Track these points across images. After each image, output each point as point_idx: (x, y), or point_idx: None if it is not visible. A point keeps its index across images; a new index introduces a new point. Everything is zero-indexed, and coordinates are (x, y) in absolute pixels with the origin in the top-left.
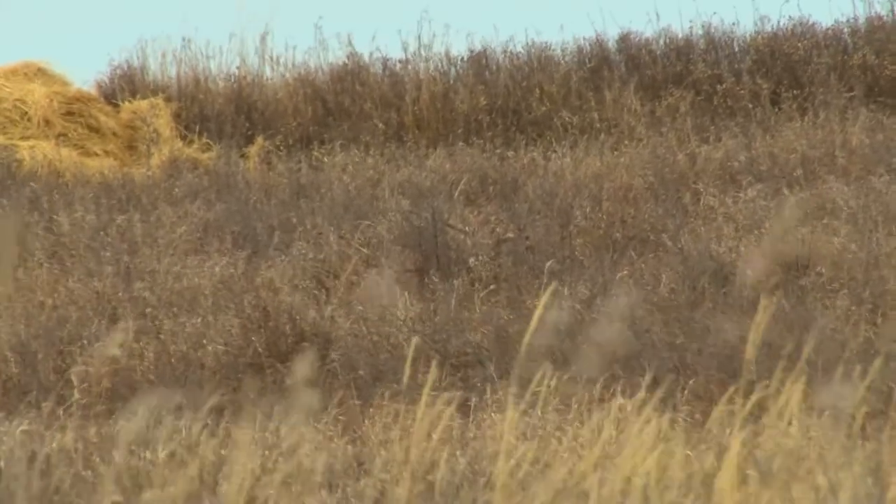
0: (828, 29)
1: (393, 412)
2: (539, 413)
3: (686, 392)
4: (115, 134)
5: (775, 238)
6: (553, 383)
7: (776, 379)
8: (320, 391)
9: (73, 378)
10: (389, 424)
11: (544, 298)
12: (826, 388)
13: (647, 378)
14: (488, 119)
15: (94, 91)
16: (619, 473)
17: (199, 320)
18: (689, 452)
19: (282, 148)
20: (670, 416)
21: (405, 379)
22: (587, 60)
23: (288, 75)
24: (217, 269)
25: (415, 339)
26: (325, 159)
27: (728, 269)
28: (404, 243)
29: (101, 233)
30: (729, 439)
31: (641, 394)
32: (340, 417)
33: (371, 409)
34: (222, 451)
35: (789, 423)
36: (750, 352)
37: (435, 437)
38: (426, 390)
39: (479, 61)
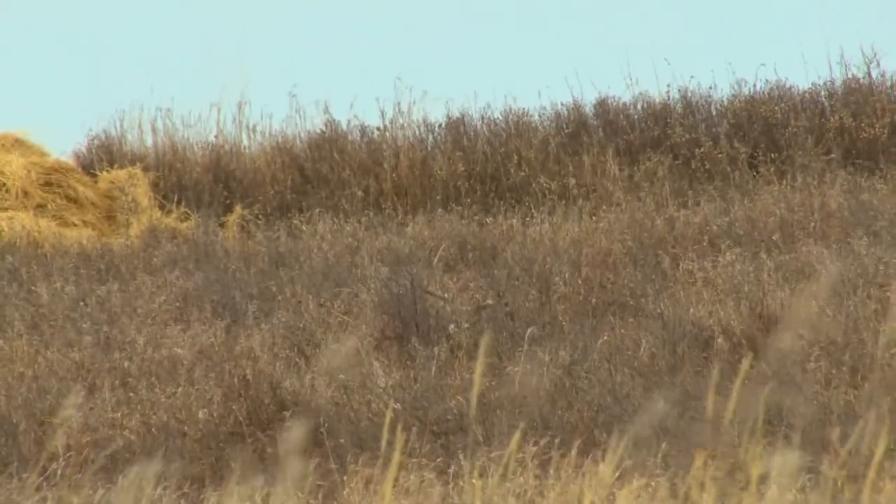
0: (805, 92)
1: (373, 479)
2: (520, 479)
3: (666, 457)
4: (93, 204)
5: (754, 302)
6: (534, 449)
7: (757, 443)
8: (301, 459)
9: (59, 447)
10: (370, 491)
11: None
12: (806, 451)
13: (628, 443)
14: (467, 185)
15: (71, 161)
16: None
17: (179, 389)
18: None
19: (260, 216)
20: (650, 481)
21: (383, 446)
22: (565, 126)
23: (265, 144)
24: (197, 338)
25: (394, 407)
26: (304, 227)
27: (707, 334)
28: (384, 310)
29: (81, 303)
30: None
31: (622, 459)
32: (320, 484)
33: (352, 477)
34: None
35: (768, 488)
36: (729, 415)
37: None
38: (395, 458)
39: (457, 128)
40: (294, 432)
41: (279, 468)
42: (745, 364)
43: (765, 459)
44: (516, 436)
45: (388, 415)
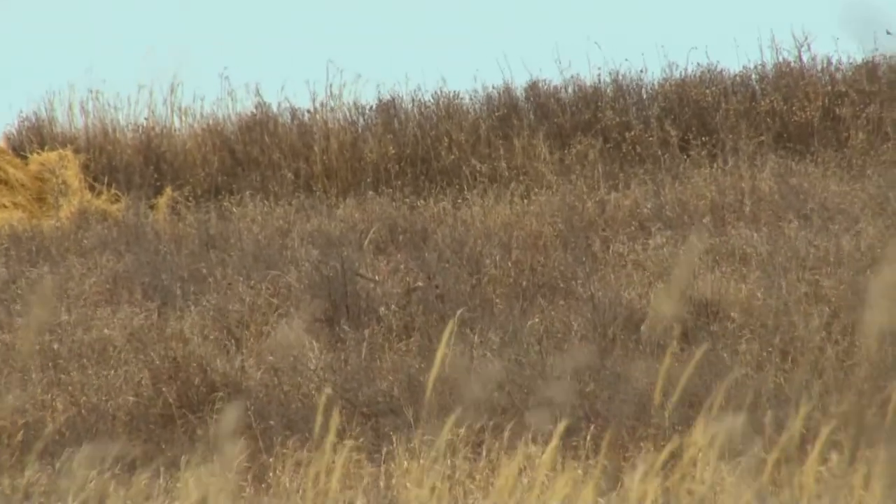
0: (736, 75)
1: (303, 461)
2: (449, 461)
3: (597, 439)
4: (23, 186)
5: (685, 284)
6: (463, 431)
7: (687, 426)
8: (232, 441)
9: None
10: (300, 473)
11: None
12: (737, 434)
13: (558, 426)
14: (397, 168)
15: (1, 143)
16: None
17: (109, 372)
18: (600, 500)
19: (191, 199)
20: (580, 464)
21: (316, 428)
22: (496, 109)
23: (196, 126)
24: (127, 320)
25: (326, 390)
26: (235, 209)
27: (638, 316)
28: (314, 293)
29: (12, 285)
30: (640, 487)
31: (552, 441)
32: (249, 466)
33: (281, 459)
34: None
35: (701, 471)
36: (658, 398)
37: (345, 485)
38: (330, 438)
39: (388, 110)
40: (227, 415)
41: (210, 450)
42: (672, 347)
43: (697, 441)
44: (450, 419)
45: (323, 396)
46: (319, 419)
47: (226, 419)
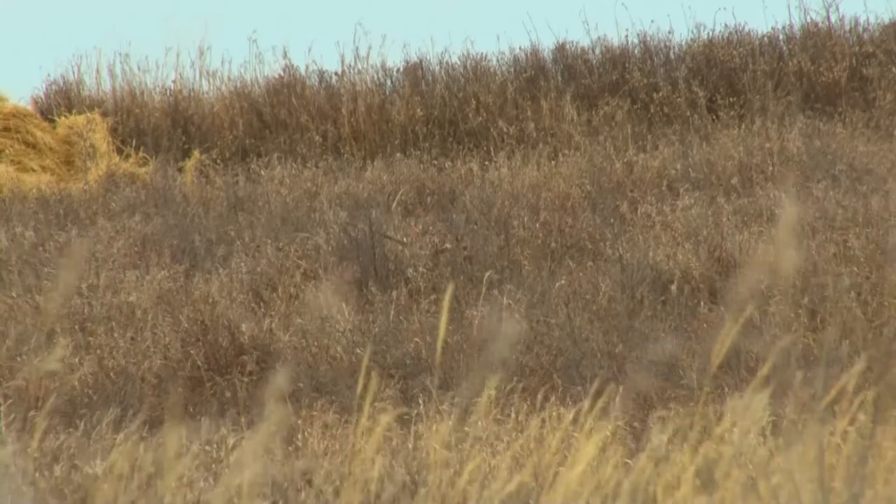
0: (763, 36)
1: (333, 423)
2: (479, 423)
3: (626, 400)
4: (51, 149)
5: (713, 246)
6: (493, 393)
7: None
8: (259, 403)
9: (11, 393)
10: (331, 436)
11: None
12: (766, 395)
13: (587, 387)
14: (425, 130)
15: (30, 107)
16: (560, 484)
17: (137, 334)
18: (628, 461)
19: (219, 161)
20: (610, 425)
21: (358, 391)
22: (523, 70)
23: (224, 88)
24: (155, 283)
25: (362, 352)
26: (263, 172)
27: (666, 277)
28: (342, 255)
29: (40, 248)
30: (669, 448)
31: (581, 402)
32: (276, 428)
33: (309, 421)
34: (163, 464)
35: (729, 431)
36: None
37: (375, 448)
38: (367, 403)
39: (415, 72)
40: (275, 380)
41: (235, 412)
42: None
43: (725, 403)
44: (491, 382)
45: (365, 360)
46: (361, 381)
47: (274, 384)
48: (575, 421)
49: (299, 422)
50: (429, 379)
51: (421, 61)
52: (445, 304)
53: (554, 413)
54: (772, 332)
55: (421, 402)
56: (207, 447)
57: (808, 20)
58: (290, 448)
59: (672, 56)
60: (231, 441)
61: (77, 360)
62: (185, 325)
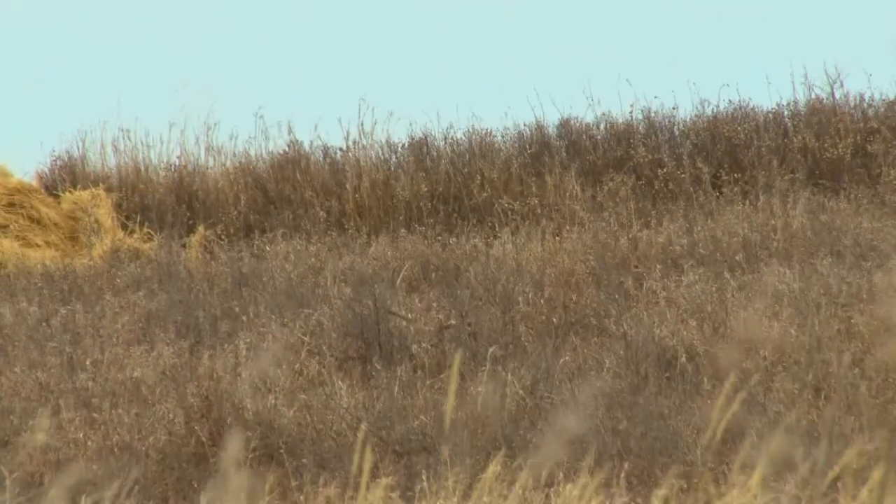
0: (768, 112)
1: (332, 498)
2: (483, 499)
3: (629, 476)
4: (56, 225)
5: (717, 322)
6: (497, 469)
7: (720, 462)
8: (263, 479)
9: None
10: None
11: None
12: (771, 471)
13: (590, 462)
14: (430, 206)
15: (34, 182)
16: None
17: (142, 410)
18: None
19: (223, 237)
20: (614, 501)
21: (353, 468)
22: (528, 146)
23: (229, 164)
24: (160, 358)
25: (362, 426)
26: (267, 248)
27: (670, 353)
28: (347, 331)
29: (44, 324)
30: None
31: (585, 478)
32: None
33: (312, 497)
34: None
35: None
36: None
37: None
38: (364, 478)
39: (420, 148)
40: (231, 445)
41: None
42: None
43: (729, 478)
44: (497, 458)
45: (360, 434)
46: (356, 458)
47: (230, 449)
48: (581, 497)
49: (301, 497)
50: (433, 455)
51: (426, 137)
52: (454, 373)
53: (560, 489)
54: (776, 409)
55: (424, 478)
56: None
57: (813, 96)
58: None
59: (676, 132)
60: None
61: (82, 435)
62: (190, 401)
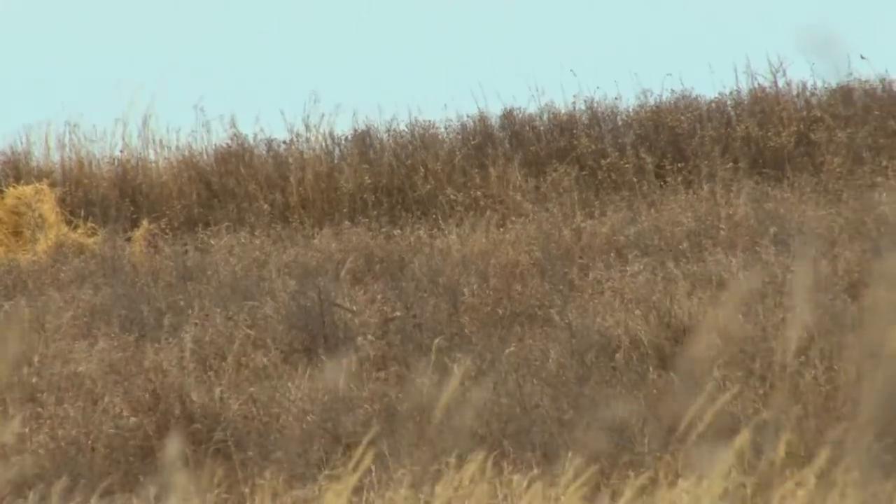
0: (711, 101)
1: (282, 491)
2: (432, 489)
3: (576, 467)
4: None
5: (662, 312)
6: (451, 461)
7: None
8: (209, 472)
9: None
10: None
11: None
12: (715, 459)
13: (537, 453)
14: (373, 198)
15: None
16: None
17: (88, 405)
18: None
19: (167, 231)
20: (560, 491)
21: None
22: (471, 137)
23: (172, 158)
24: (105, 352)
25: (309, 418)
26: (212, 241)
27: (615, 343)
28: (291, 323)
29: None
30: None
31: (531, 469)
32: (227, 497)
33: (259, 490)
34: None
35: (680, 496)
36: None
37: None
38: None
39: (363, 140)
40: (171, 447)
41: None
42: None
43: (675, 467)
44: (477, 457)
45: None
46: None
47: (170, 450)
48: (528, 487)
49: (247, 490)
50: (379, 448)
51: (369, 129)
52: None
53: (506, 480)
54: (721, 398)
55: (373, 469)
56: None
57: (756, 85)
58: None
59: (619, 122)
60: None
61: (27, 430)
62: (137, 395)
